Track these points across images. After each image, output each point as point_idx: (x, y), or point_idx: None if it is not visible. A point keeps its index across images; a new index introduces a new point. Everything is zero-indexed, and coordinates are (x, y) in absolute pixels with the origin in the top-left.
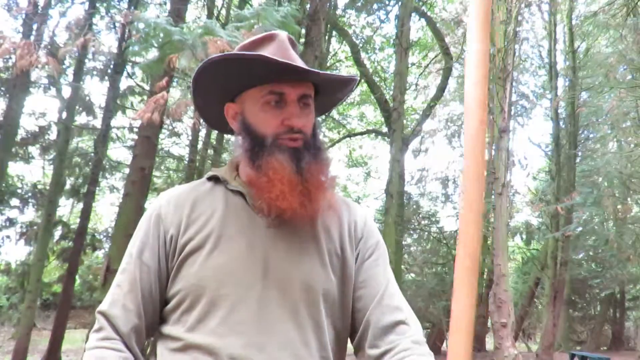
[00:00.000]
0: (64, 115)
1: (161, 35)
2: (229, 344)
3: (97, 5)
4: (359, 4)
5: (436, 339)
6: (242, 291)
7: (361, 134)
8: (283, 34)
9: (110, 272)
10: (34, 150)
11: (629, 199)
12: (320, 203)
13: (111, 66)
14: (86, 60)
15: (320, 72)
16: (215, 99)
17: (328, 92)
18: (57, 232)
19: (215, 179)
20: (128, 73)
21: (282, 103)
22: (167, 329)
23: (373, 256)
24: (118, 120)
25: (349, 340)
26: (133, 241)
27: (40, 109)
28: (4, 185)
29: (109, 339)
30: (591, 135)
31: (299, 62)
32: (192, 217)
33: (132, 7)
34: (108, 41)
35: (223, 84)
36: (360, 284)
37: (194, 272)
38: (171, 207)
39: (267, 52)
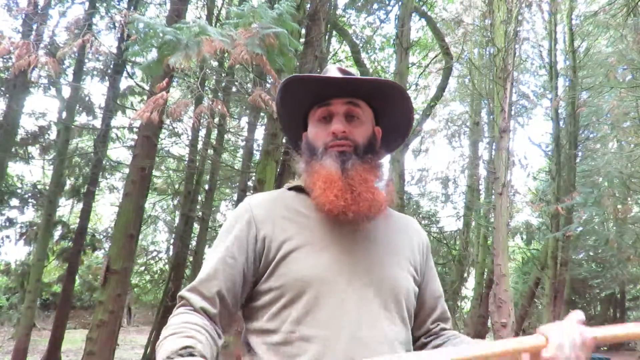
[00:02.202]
0: (64, 115)
1: (160, 35)
2: (337, 336)
3: (97, 5)
4: (359, 4)
5: None
6: (344, 288)
7: None
8: (332, 65)
9: (110, 272)
10: (34, 150)
11: (629, 199)
12: (366, 198)
13: (111, 66)
14: (86, 60)
15: (352, 77)
16: (294, 124)
17: (383, 108)
18: (57, 232)
19: (298, 189)
20: (128, 73)
21: (330, 118)
22: (261, 324)
23: (433, 275)
24: (118, 120)
25: None
26: (224, 237)
27: (40, 109)
28: (4, 185)
29: (190, 310)
30: (591, 135)
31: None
32: (286, 219)
33: (132, 7)
34: (108, 41)
35: (293, 108)
36: (424, 300)
37: (296, 269)
38: (263, 209)
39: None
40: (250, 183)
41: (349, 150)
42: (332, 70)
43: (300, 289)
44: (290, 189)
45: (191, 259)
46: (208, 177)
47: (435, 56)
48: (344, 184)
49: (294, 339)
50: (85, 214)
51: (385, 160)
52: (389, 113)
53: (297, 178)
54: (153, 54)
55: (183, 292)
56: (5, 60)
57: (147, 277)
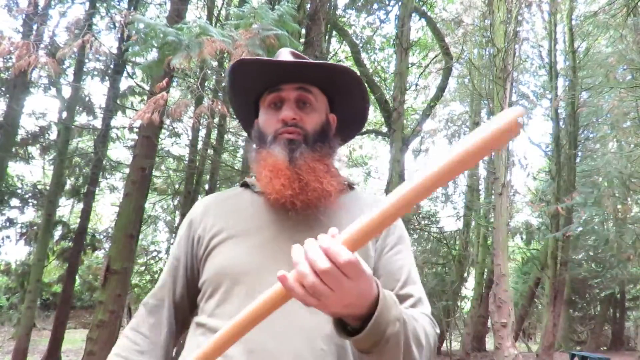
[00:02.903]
0: (64, 115)
1: (161, 35)
2: None
3: (97, 5)
4: (359, 4)
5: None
6: (259, 279)
7: (361, 134)
8: (285, 49)
9: (110, 272)
10: (34, 150)
11: (629, 199)
12: (314, 187)
13: (111, 66)
14: (86, 61)
15: (301, 61)
16: (245, 112)
17: (338, 93)
18: (57, 232)
19: (245, 185)
20: (128, 73)
21: (281, 104)
22: (196, 318)
23: (393, 250)
24: (118, 120)
25: None
26: (174, 244)
27: (40, 109)
28: (4, 185)
29: (133, 329)
30: (591, 135)
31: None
32: (218, 217)
33: (132, 7)
34: (108, 41)
35: (244, 93)
36: (378, 278)
37: (216, 263)
38: (201, 211)
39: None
40: None
41: (298, 138)
42: (283, 54)
43: (218, 282)
44: (241, 185)
45: None
46: (208, 177)
47: (435, 56)
48: (291, 173)
49: (208, 330)
50: (85, 214)
51: (385, 160)
52: (344, 100)
53: None
54: (153, 54)
55: (145, 298)
56: (5, 60)
57: (147, 277)
